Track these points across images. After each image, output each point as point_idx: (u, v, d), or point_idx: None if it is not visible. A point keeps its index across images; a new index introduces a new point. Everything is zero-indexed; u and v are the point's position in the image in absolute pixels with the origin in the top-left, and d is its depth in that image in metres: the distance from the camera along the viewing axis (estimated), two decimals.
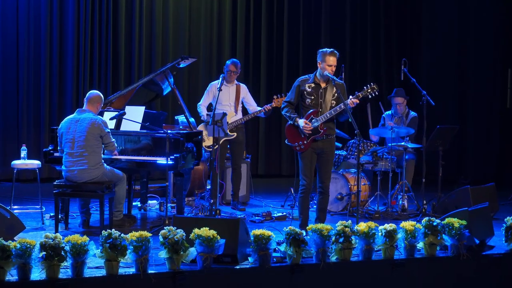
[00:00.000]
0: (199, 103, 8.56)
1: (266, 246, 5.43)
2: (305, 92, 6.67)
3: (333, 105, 6.67)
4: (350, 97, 6.58)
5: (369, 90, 6.65)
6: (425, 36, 12.47)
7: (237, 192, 8.56)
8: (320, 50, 6.69)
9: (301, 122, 6.61)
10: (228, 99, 8.44)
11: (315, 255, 5.62)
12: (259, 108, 8.53)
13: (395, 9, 12.57)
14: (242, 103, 8.62)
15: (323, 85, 6.65)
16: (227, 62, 8.60)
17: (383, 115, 9.08)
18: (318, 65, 6.66)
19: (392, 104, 8.96)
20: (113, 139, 6.88)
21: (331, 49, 6.63)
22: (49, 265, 4.92)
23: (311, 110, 6.66)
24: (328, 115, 6.61)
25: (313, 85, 6.66)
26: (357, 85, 6.73)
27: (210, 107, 8.51)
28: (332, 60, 6.57)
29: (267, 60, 12.04)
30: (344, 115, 6.67)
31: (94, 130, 6.68)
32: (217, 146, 7.41)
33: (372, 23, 12.47)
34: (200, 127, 8.32)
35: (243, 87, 8.64)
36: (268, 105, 8.44)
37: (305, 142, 6.66)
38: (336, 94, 6.64)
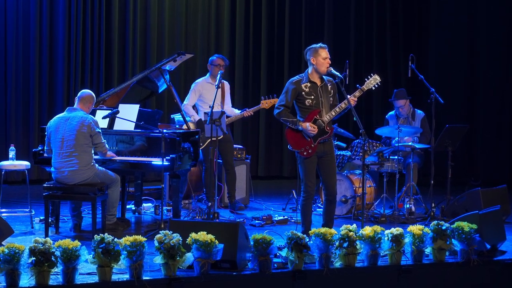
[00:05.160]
0: (184, 103, 8.38)
1: (266, 251, 5.36)
2: (303, 93, 6.41)
3: (331, 102, 6.46)
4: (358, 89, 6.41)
5: (371, 82, 6.47)
6: (433, 31, 12.41)
7: (233, 193, 8.48)
8: (309, 47, 6.46)
9: (307, 125, 6.31)
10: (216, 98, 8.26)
11: (318, 260, 5.55)
12: (239, 112, 8.41)
13: (401, 3, 12.52)
14: None
15: (318, 83, 6.42)
16: (212, 57, 8.45)
17: (387, 116, 8.97)
18: (313, 62, 6.38)
19: (394, 107, 8.76)
20: (104, 140, 6.83)
21: (319, 43, 6.44)
22: (39, 271, 4.86)
23: (313, 111, 6.39)
24: (333, 113, 6.38)
25: (309, 84, 6.42)
26: (362, 82, 6.51)
27: (195, 108, 8.36)
28: (325, 53, 6.37)
29: (268, 56, 11.93)
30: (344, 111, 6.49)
31: (84, 129, 6.62)
32: (215, 146, 7.34)
33: (378, 18, 12.43)
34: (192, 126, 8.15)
35: (227, 84, 8.59)
36: (251, 109, 8.33)
37: (312, 145, 6.36)
38: (332, 91, 6.47)
